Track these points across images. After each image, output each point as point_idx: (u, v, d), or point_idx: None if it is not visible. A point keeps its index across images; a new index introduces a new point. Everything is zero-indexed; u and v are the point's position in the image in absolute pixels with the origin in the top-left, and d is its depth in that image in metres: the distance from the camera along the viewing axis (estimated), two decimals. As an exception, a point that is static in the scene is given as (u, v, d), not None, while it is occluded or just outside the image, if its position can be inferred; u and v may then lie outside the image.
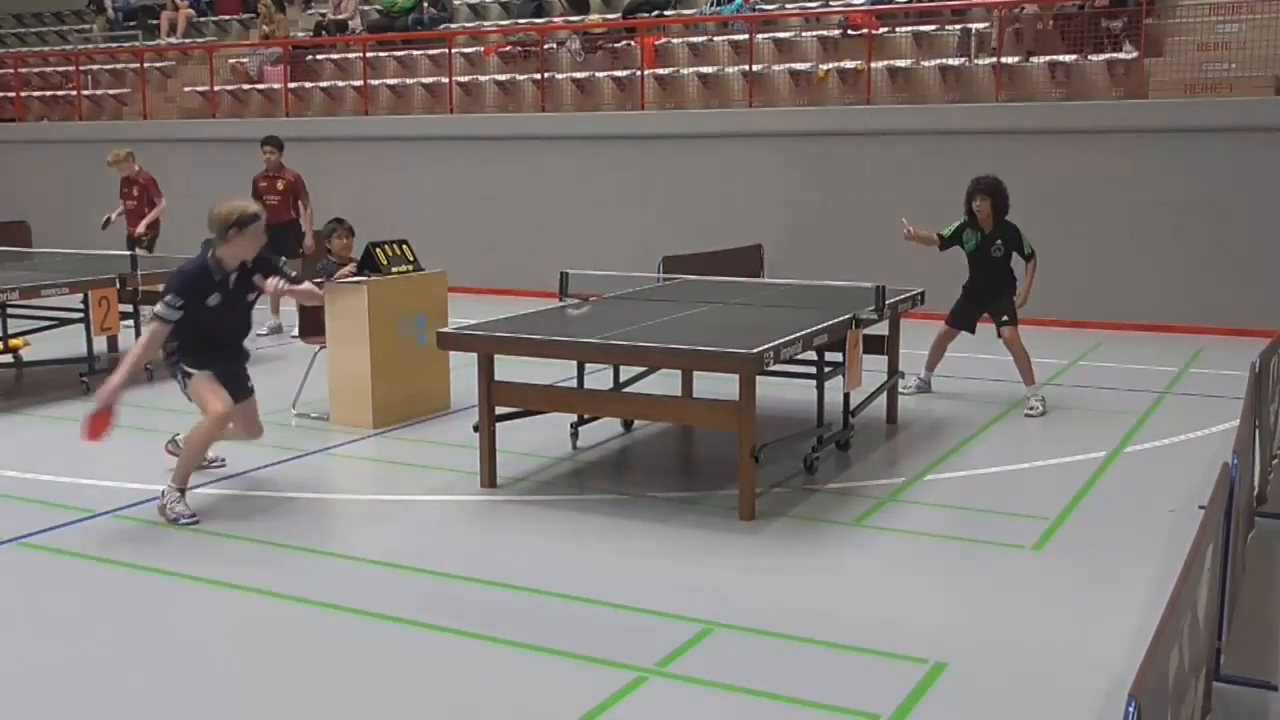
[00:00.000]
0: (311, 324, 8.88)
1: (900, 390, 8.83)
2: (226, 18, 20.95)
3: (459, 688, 4.47)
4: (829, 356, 7.39)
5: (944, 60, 13.65)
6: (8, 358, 10.16)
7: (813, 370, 7.51)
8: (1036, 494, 6.74)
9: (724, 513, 6.37)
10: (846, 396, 7.38)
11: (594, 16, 17.02)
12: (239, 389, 6.65)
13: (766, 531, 6.11)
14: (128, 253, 10.91)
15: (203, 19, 21.07)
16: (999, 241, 8.78)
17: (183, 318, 6.31)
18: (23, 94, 20.39)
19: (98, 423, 6.14)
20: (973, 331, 9.07)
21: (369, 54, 17.31)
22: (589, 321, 7.40)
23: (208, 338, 6.47)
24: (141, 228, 12.28)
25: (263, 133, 12.54)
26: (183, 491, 6.40)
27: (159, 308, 6.30)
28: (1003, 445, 7.87)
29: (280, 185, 12.04)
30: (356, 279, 8.23)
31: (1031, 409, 8.58)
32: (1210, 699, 3.99)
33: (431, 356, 8.32)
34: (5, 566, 5.72)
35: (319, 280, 8.41)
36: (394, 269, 8.44)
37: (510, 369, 7.20)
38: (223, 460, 7.22)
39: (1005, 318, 8.76)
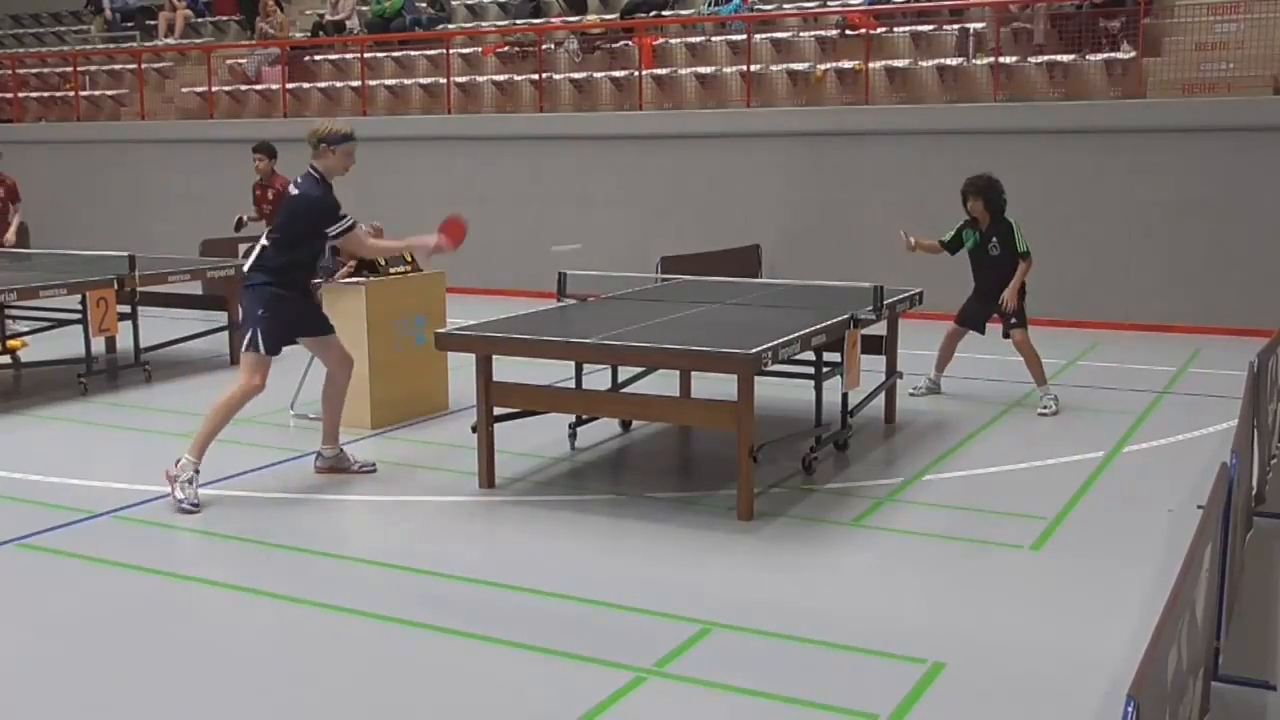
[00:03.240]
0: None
1: (911, 392, 8.85)
2: (224, 18, 20.95)
3: (457, 688, 4.47)
4: (827, 356, 7.40)
5: (942, 60, 13.64)
6: (6, 358, 10.16)
7: (811, 370, 7.52)
8: (1035, 494, 6.74)
9: (722, 513, 6.37)
10: (845, 396, 7.38)
11: (592, 17, 17.01)
12: (319, 324, 7.06)
13: (765, 531, 6.12)
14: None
15: (200, 20, 21.06)
16: (995, 239, 8.74)
17: (300, 239, 6.70)
18: (20, 95, 20.37)
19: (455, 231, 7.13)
20: (981, 331, 9.02)
21: (367, 54, 17.30)
22: (587, 322, 7.40)
23: (302, 268, 6.86)
24: (11, 236, 12.46)
25: (261, 133, 12.50)
26: (198, 470, 6.47)
27: (338, 227, 6.73)
28: (1001, 445, 7.88)
29: (271, 195, 11.28)
30: (355, 279, 8.23)
31: (1044, 408, 8.56)
32: (1209, 699, 3.99)
33: (430, 357, 8.32)
34: (5, 566, 5.72)
35: (318, 280, 8.42)
36: (392, 269, 8.45)
37: (508, 369, 7.21)
38: (374, 465, 7.26)
39: (1014, 320, 8.68)
